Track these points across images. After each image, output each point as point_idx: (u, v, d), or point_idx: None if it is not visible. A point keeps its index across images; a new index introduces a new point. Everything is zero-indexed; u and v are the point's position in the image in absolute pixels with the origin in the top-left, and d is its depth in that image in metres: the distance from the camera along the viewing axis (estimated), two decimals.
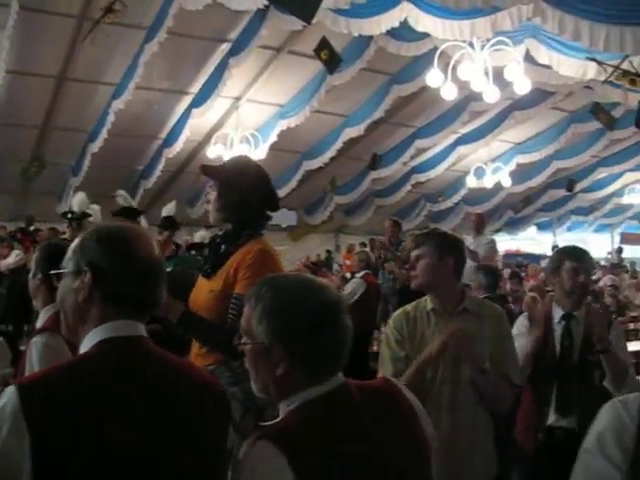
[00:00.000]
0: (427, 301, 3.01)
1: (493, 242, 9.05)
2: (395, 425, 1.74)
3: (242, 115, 12.64)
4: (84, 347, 1.61)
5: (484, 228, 9.07)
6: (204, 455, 1.64)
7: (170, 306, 2.76)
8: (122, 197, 6.89)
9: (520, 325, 3.63)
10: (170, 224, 7.09)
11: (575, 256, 3.55)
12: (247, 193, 2.98)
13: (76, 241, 1.70)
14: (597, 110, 12.53)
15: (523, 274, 14.03)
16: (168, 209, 7.37)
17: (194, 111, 11.48)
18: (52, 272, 1.77)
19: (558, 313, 3.54)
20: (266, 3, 7.51)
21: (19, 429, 1.40)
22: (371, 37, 9.49)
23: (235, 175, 3.03)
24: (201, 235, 8.12)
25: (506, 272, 16.31)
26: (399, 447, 1.71)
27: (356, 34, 8.76)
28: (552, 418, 3.41)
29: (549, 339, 3.49)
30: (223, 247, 2.98)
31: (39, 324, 2.79)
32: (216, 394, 1.78)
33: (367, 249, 11.21)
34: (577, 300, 3.53)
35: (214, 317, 2.86)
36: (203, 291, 2.96)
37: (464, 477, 2.76)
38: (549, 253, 19.79)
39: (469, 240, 8.78)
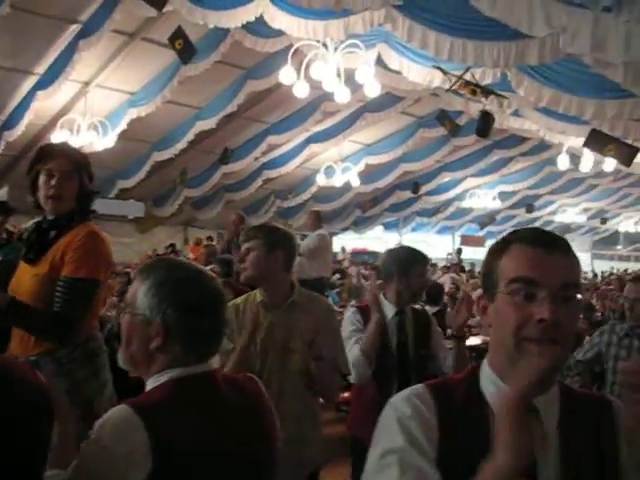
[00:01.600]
0: (257, 294, 3.06)
1: (323, 236, 9.34)
2: (252, 417, 1.81)
3: (91, 101, 12.17)
4: None
5: (320, 224, 9.30)
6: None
7: None
8: None
9: (354, 320, 3.68)
10: (2, 210, 6.71)
11: (424, 261, 3.76)
12: (84, 182, 2.92)
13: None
14: (442, 117, 13.07)
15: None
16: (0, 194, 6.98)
17: (39, 93, 10.94)
18: None
19: (391, 310, 3.66)
20: None
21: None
22: (228, 30, 9.41)
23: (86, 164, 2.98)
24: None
25: (353, 269, 16.81)
26: (253, 437, 1.77)
27: (212, 26, 8.67)
28: None
29: (385, 334, 3.59)
30: (52, 233, 2.85)
31: None
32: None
33: (214, 243, 11.22)
34: (416, 299, 3.70)
35: (38, 303, 2.73)
36: (26, 277, 2.83)
37: (292, 466, 2.78)
38: None
39: (309, 237, 9.03)
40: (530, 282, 1.35)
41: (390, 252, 3.86)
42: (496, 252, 1.47)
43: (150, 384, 1.72)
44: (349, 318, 3.69)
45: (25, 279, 2.83)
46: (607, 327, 4.53)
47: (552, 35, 5.12)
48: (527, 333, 1.30)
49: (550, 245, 1.40)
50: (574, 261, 1.41)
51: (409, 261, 3.70)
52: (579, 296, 1.37)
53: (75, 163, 2.91)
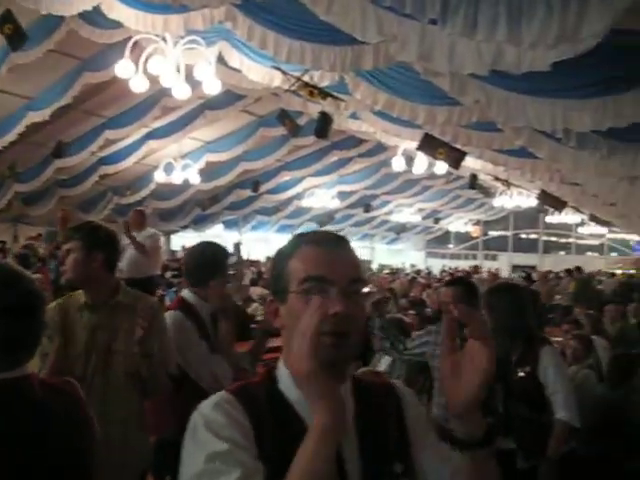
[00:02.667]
0: (80, 295, 3.01)
1: (156, 234, 9.40)
2: (68, 421, 1.77)
3: None
4: None
5: (145, 224, 9.23)
6: None
7: None
8: None
9: (186, 326, 3.53)
10: None
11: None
12: None
13: None
14: (283, 116, 13.22)
15: None
16: None
17: None
18: None
19: (206, 309, 3.63)
20: None
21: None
22: (62, 18, 9.05)
23: None
24: None
25: None
26: (68, 443, 1.74)
27: (44, 12, 8.30)
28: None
29: (206, 334, 3.63)
30: None
31: None
32: None
33: (35, 242, 10.90)
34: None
35: None
36: None
37: (117, 470, 2.74)
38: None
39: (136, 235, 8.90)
40: (321, 279, 1.43)
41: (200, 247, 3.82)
42: (284, 255, 1.54)
43: None
44: (179, 324, 3.49)
45: None
46: (434, 328, 4.73)
47: (385, 42, 5.34)
48: (321, 328, 1.34)
49: (335, 244, 1.50)
50: (357, 258, 1.52)
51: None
52: (366, 290, 1.48)
53: None
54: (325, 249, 1.47)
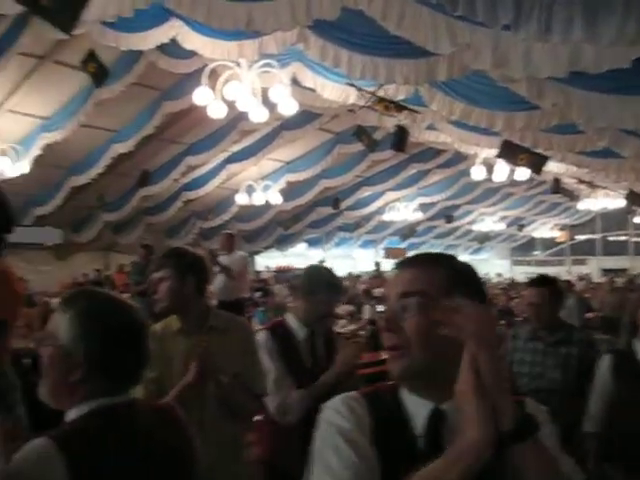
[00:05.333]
0: (174, 321, 3.01)
1: (245, 258, 9.53)
2: (172, 447, 1.80)
3: (1, 126, 11.87)
4: None
5: (234, 246, 9.34)
6: None
7: None
8: None
9: (270, 347, 3.44)
10: None
11: (330, 288, 3.52)
12: None
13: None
14: (360, 133, 13.24)
15: None
16: None
17: None
18: None
19: (302, 331, 3.49)
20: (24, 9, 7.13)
21: None
22: (141, 52, 9.36)
23: None
24: None
25: (278, 288, 16.80)
26: (174, 467, 1.78)
27: (124, 48, 8.60)
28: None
29: (298, 359, 3.47)
30: None
31: None
32: None
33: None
34: (325, 323, 3.58)
35: None
36: None
37: None
38: None
39: (223, 259, 9.01)
40: (385, 299, 1.53)
41: (306, 269, 3.69)
42: None
43: (70, 416, 1.70)
44: (265, 345, 3.42)
45: None
46: (511, 332, 4.52)
47: (458, 52, 5.31)
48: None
49: (399, 264, 1.55)
50: (419, 272, 1.50)
51: (315, 283, 3.51)
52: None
53: None
54: (394, 271, 1.56)
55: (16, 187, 11.56)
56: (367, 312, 11.09)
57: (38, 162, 12.45)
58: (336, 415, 1.46)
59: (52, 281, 16.51)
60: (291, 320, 3.54)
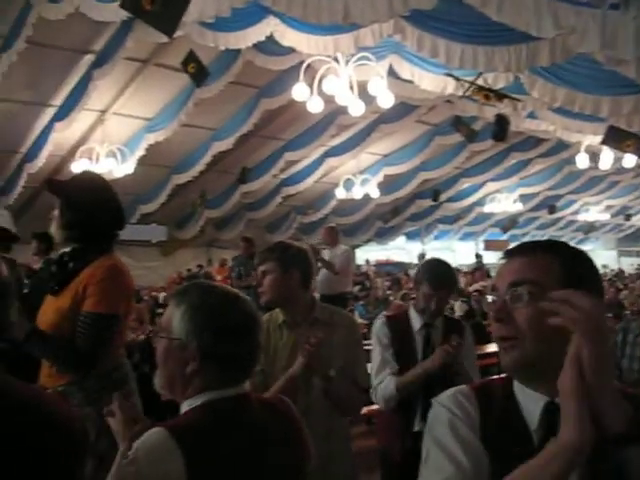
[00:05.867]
0: (279, 313, 3.03)
1: (348, 252, 9.37)
2: (284, 440, 1.81)
3: (108, 129, 12.32)
4: None
5: (337, 239, 9.29)
6: None
7: (17, 324, 2.63)
8: (3, 217, 6.32)
9: (381, 334, 3.59)
10: (44, 239, 6.49)
11: (431, 280, 3.54)
12: (90, 211, 2.88)
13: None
14: (458, 123, 13.05)
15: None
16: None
17: (57, 124, 11.08)
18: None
19: (418, 322, 3.58)
20: (129, 15, 7.36)
21: None
22: (239, 50, 9.50)
23: (78, 192, 2.93)
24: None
25: (378, 281, 16.80)
26: (285, 459, 1.78)
27: (223, 47, 8.74)
28: (419, 425, 3.42)
29: (410, 349, 3.53)
30: (71, 264, 2.86)
31: None
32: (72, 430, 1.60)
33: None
34: (433, 315, 3.58)
35: (61, 335, 2.76)
36: (50, 309, 2.85)
37: None
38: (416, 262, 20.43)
39: (326, 252, 9.00)
40: (494, 289, 1.46)
41: (425, 261, 3.80)
42: None
43: (185, 407, 1.73)
44: (377, 331, 3.60)
45: (49, 311, 2.85)
46: (621, 325, 4.35)
47: (562, 35, 5.12)
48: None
49: (508, 253, 1.49)
50: (530, 261, 1.44)
51: (421, 274, 3.60)
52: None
53: (58, 194, 2.94)
54: (502, 261, 1.50)
55: (122, 187, 11.94)
56: (458, 308, 10.89)
57: (142, 162, 12.85)
58: (445, 412, 1.44)
59: (158, 277, 17.03)
60: (411, 311, 3.65)
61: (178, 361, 1.72)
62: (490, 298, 10.61)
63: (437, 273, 3.58)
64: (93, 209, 2.89)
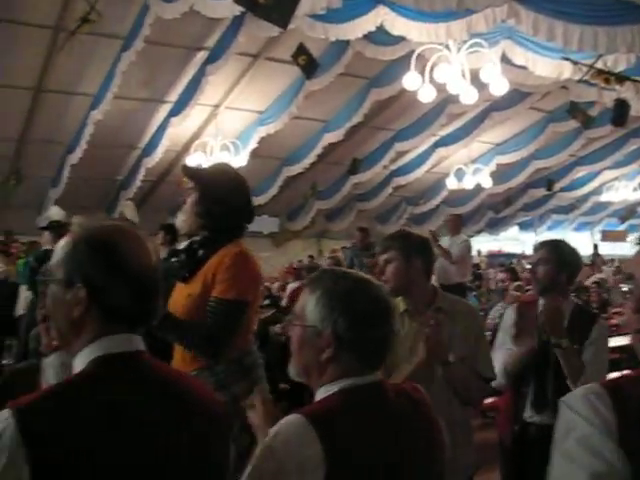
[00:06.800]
0: (400, 302, 2.99)
1: (467, 242, 9.23)
2: (419, 428, 1.80)
3: (221, 123, 12.62)
4: (79, 363, 1.49)
5: (460, 229, 9.17)
6: (210, 472, 1.60)
7: None
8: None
9: (508, 318, 3.57)
10: (169, 230, 6.65)
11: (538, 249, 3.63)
12: (226, 201, 2.97)
13: (65, 245, 1.53)
14: (574, 109, 12.63)
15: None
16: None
17: (172, 120, 11.43)
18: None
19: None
20: (242, 10, 7.50)
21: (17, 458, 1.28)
22: (348, 42, 9.52)
23: (215, 183, 3.01)
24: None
25: (490, 272, 16.48)
26: (424, 447, 1.79)
27: (333, 39, 8.78)
28: (528, 413, 3.38)
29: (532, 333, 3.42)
30: (200, 252, 2.95)
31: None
32: (219, 411, 1.70)
33: (339, 254, 11.45)
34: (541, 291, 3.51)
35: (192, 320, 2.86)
36: (181, 296, 2.94)
37: (449, 473, 2.73)
38: (530, 252, 19.90)
39: (445, 241, 8.90)
40: (630, 278, 1.34)
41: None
42: None
43: (320, 394, 1.73)
44: (506, 319, 3.59)
45: (180, 298, 2.94)
46: None
47: None
48: None
49: None
50: None
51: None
52: None
53: (196, 182, 3.04)
54: None
55: None
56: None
57: (254, 155, 13.06)
58: (582, 422, 1.33)
59: (270, 268, 17.30)
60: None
61: (313, 348, 1.72)
62: (626, 287, 10.22)
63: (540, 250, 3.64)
64: (229, 201, 2.98)
